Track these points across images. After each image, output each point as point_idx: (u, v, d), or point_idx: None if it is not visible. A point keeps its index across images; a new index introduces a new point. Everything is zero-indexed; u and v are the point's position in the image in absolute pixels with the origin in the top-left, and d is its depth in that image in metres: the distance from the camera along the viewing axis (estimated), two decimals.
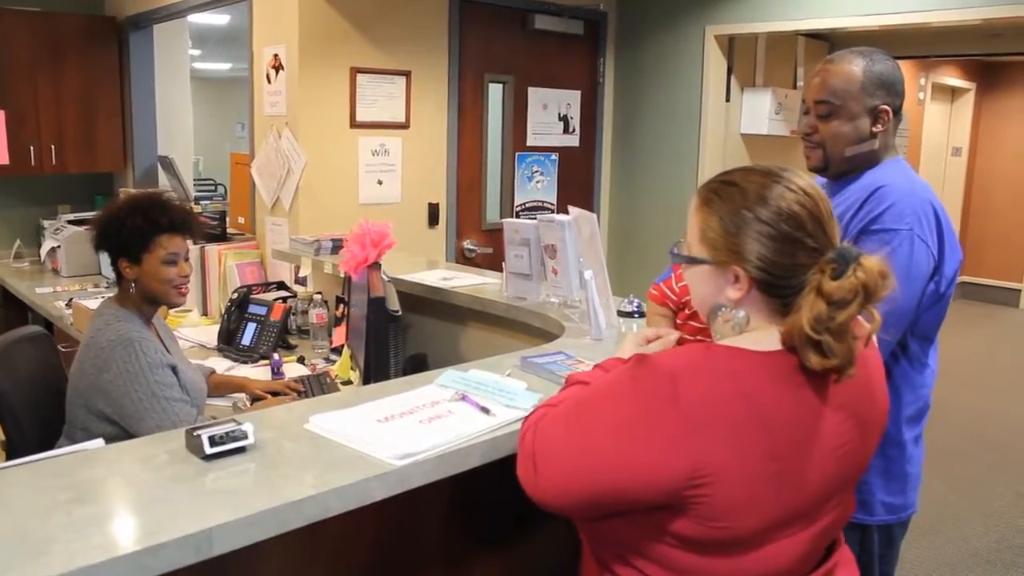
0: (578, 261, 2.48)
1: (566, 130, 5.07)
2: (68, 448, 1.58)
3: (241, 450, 1.38)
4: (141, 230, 2.35)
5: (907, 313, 1.79)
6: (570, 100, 5.05)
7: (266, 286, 3.73)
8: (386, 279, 2.68)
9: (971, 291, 9.35)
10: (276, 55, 3.94)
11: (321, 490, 1.28)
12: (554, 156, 5.04)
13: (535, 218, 2.67)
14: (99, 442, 1.68)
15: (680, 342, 1.61)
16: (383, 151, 4.17)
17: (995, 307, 9.45)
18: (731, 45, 4.92)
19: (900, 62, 1.97)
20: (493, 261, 4.45)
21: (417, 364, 2.86)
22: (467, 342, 2.97)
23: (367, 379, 2.61)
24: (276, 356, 3.09)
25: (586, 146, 5.20)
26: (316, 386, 2.75)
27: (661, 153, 5.08)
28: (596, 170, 5.28)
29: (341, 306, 3.26)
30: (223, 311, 3.49)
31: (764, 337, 1.27)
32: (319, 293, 3.45)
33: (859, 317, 1.21)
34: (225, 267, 3.98)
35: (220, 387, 2.80)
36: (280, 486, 1.28)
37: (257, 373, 3.05)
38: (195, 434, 1.36)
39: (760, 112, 5.06)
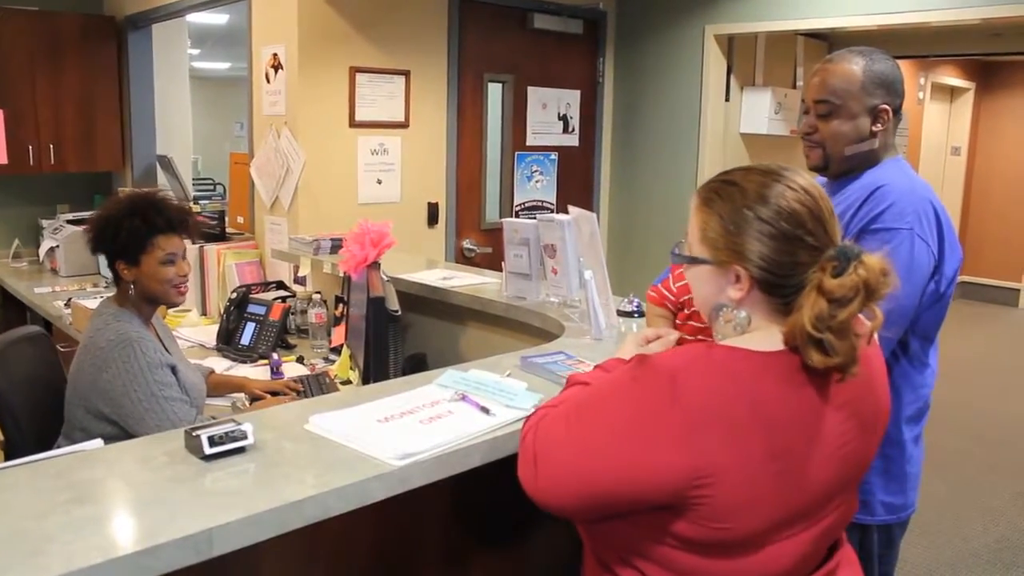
0: (578, 261, 2.47)
1: (565, 129, 5.07)
2: (67, 448, 1.58)
3: (241, 450, 1.38)
4: (138, 232, 2.34)
5: (908, 311, 1.79)
6: (570, 99, 5.05)
7: (265, 286, 3.72)
8: (385, 279, 2.68)
9: (970, 291, 9.35)
10: (275, 54, 3.93)
11: (321, 490, 1.28)
12: (553, 156, 5.04)
13: (535, 218, 2.67)
14: (98, 442, 1.68)
15: (680, 342, 1.61)
16: (382, 150, 4.17)
17: (994, 307, 9.45)
18: (731, 45, 4.92)
19: (899, 62, 1.97)
20: (492, 261, 4.45)
21: (416, 364, 2.86)
22: (466, 342, 2.96)
23: (366, 379, 2.61)
24: (275, 356, 3.09)
25: (585, 146, 5.20)
26: (315, 386, 2.75)
27: (661, 153, 5.08)
28: (595, 170, 5.28)
29: (340, 306, 3.26)
30: (222, 311, 3.48)
31: (766, 337, 1.27)
32: (318, 293, 3.45)
33: (860, 315, 1.21)
34: (224, 267, 3.98)
35: (219, 387, 2.79)
36: (280, 486, 1.28)
37: (256, 373, 3.05)
38: (194, 434, 1.36)
39: (760, 112, 5.05)
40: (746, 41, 5.01)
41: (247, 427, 1.40)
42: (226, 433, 1.37)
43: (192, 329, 3.65)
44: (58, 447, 2.29)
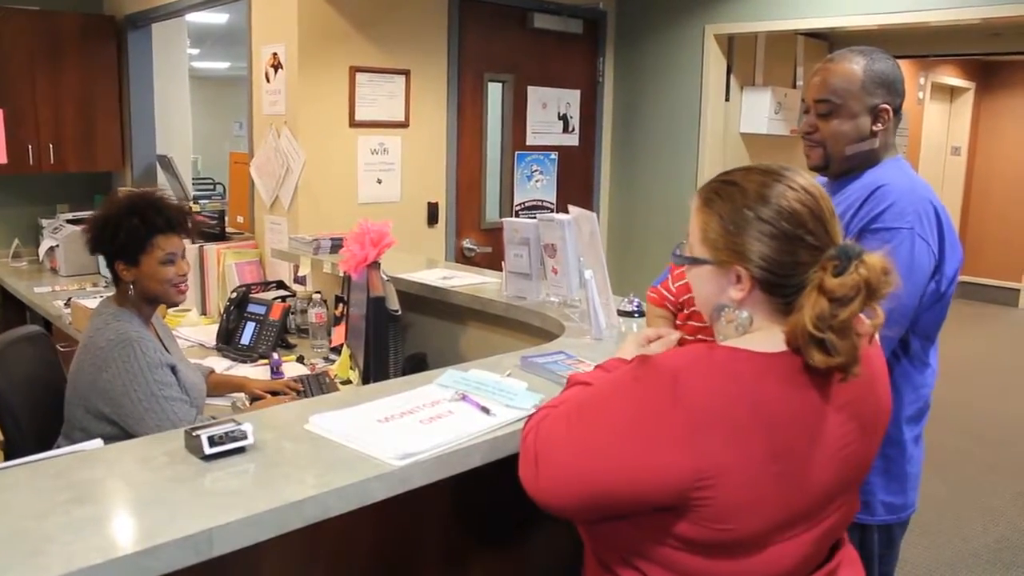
0: (578, 260, 2.47)
1: (565, 129, 5.07)
2: (67, 448, 1.57)
3: (241, 450, 1.38)
4: (137, 232, 2.33)
5: (909, 311, 1.79)
6: (569, 99, 5.05)
7: (265, 285, 3.72)
8: (385, 278, 2.68)
9: (970, 291, 9.34)
10: (275, 54, 3.93)
11: (321, 490, 1.27)
12: (553, 155, 5.03)
13: (535, 217, 2.67)
14: (98, 442, 1.67)
15: (681, 342, 1.61)
16: (382, 150, 4.17)
17: (994, 307, 9.46)
18: (731, 44, 4.92)
19: (899, 61, 1.97)
20: (492, 260, 4.45)
21: (416, 364, 2.86)
22: (466, 341, 2.96)
23: (366, 379, 2.61)
24: (275, 355, 3.09)
25: (585, 145, 5.20)
26: (315, 385, 2.75)
27: (660, 152, 5.07)
28: (595, 169, 5.28)
29: (340, 305, 3.25)
30: (222, 310, 3.48)
31: (767, 338, 1.27)
32: (318, 292, 3.45)
33: (861, 314, 1.20)
34: (224, 266, 3.97)
35: (219, 386, 2.79)
36: (280, 486, 1.28)
37: (256, 372, 3.05)
38: (194, 434, 1.36)
39: (760, 111, 5.05)
40: (746, 41, 5.01)
41: (247, 427, 1.40)
42: (226, 433, 1.37)
43: (192, 329, 3.64)
44: (58, 447, 2.29)
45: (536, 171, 4.97)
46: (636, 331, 1.73)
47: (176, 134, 5.64)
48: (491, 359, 2.02)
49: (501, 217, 4.60)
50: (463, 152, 4.58)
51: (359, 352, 2.71)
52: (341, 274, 3.03)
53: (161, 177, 5.22)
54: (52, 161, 5.03)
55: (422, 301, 2.99)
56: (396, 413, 1.58)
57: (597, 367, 1.57)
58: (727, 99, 5.00)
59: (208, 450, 1.35)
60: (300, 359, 3.20)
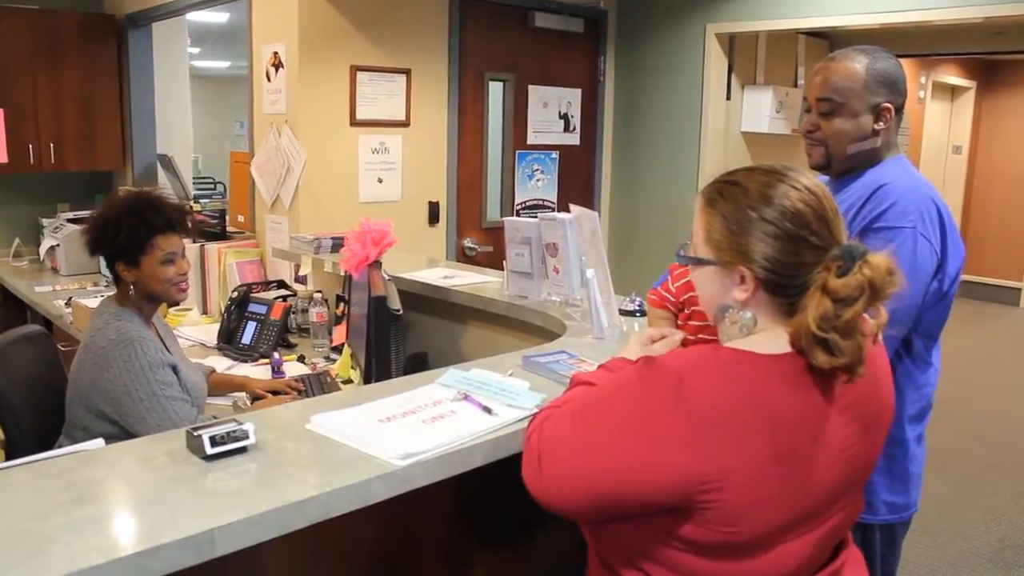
0: (580, 260, 2.47)
1: (566, 128, 5.06)
2: (68, 448, 1.57)
3: (242, 450, 1.38)
4: (136, 233, 2.32)
5: (912, 310, 1.79)
6: (570, 98, 5.05)
7: (266, 285, 3.72)
8: (387, 278, 2.67)
9: (971, 290, 9.33)
10: (276, 53, 3.93)
11: (323, 490, 1.27)
12: (554, 154, 5.03)
13: (536, 216, 2.66)
14: (99, 442, 1.67)
15: (685, 342, 1.60)
16: (383, 149, 4.17)
17: (996, 306, 9.45)
18: (732, 43, 4.91)
19: (900, 60, 1.96)
20: (493, 259, 4.44)
21: (417, 363, 2.86)
22: (468, 341, 2.96)
23: (368, 378, 2.60)
24: (276, 355, 3.09)
25: (586, 144, 5.20)
26: (316, 385, 2.75)
27: (662, 151, 5.07)
28: (596, 168, 5.28)
29: (341, 305, 3.25)
30: (223, 310, 3.48)
31: (771, 339, 1.26)
32: (319, 292, 3.45)
33: (865, 315, 1.20)
34: (225, 266, 3.97)
35: (220, 386, 2.79)
36: (282, 486, 1.28)
37: (257, 372, 3.04)
38: (196, 434, 1.36)
39: (761, 110, 5.05)
40: (747, 40, 5.01)
41: (249, 427, 1.39)
42: (228, 433, 1.37)
43: (193, 328, 3.64)
44: (59, 446, 2.29)
45: (537, 170, 4.96)
46: (640, 331, 1.72)
47: (177, 133, 5.64)
48: (493, 358, 2.01)
49: (502, 216, 4.60)
50: (464, 151, 4.58)
51: (360, 351, 2.71)
52: (342, 273, 3.02)
53: (162, 176, 5.22)
54: (53, 160, 5.03)
55: (423, 300, 2.99)
56: (398, 413, 1.57)
57: (600, 367, 1.56)
58: (728, 98, 5.00)
59: (210, 450, 1.34)
60: (301, 358, 3.20)
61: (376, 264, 2.66)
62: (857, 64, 1.88)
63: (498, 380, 1.73)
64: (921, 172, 1.99)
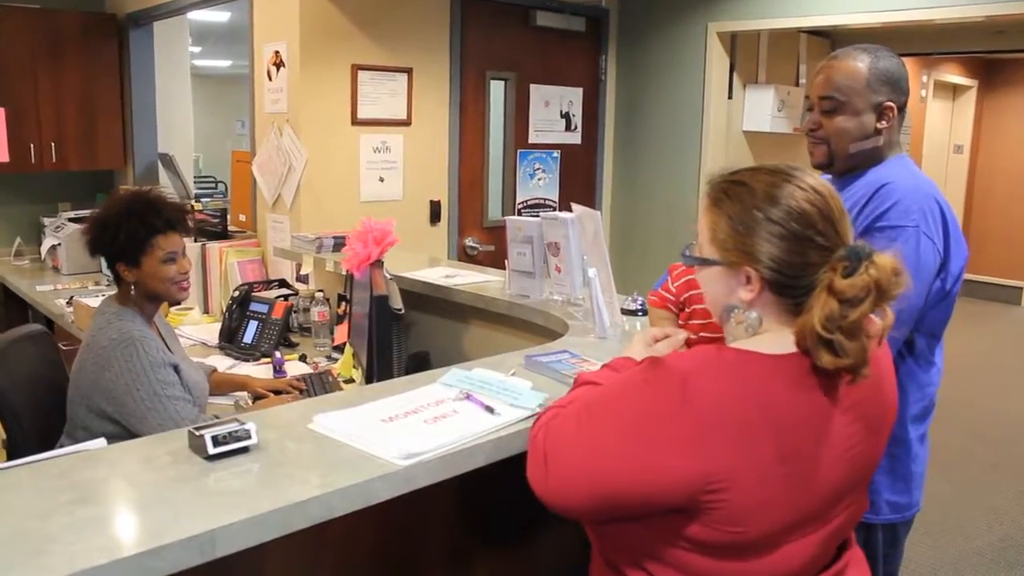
0: (582, 259, 2.46)
1: (568, 127, 5.06)
2: (70, 448, 1.57)
3: (244, 450, 1.37)
4: (136, 234, 2.32)
5: (915, 310, 1.78)
6: (572, 97, 5.04)
7: (267, 284, 3.72)
8: (389, 277, 2.67)
9: (973, 289, 9.32)
10: (277, 52, 3.92)
11: (326, 490, 1.27)
12: (556, 153, 5.03)
13: (537, 215, 2.66)
14: (101, 442, 1.67)
15: (688, 342, 1.60)
16: (384, 148, 4.16)
17: (997, 305, 9.44)
18: (733, 42, 4.91)
19: (902, 59, 1.96)
20: (495, 259, 4.44)
21: (419, 362, 2.86)
22: (469, 340, 2.96)
23: (369, 378, 2.60)
24: (278, 354, 3.09)
25: (588, 143, 5.19)
26: (318, 384, 2.75)
27: (663, 150, 5.07)
28: (598, 167, 5.27)
29: (343, 304, 3.25)
30: (224, 309, 3.48)
31: (776, 339, 1.26)
32: (321, 291, 3.44)
33: (871, 315, 1.20)
34: (226, 265, 3.97)
35: (222, 385, 2.79)
36: (284, 486, 1.27)
37: (259, 371, 3.04)
38: (198, 434, 1.35)
39: (763, 109, 5.05)
40: (749, 39, 5.01)
41: (251, 427, 1.39)
42: (230, 433, 1.36)
43: (194, 327, 3.64)
44: (60, 446, 2.29)
45: (538, 169, 4.96)
46: (643, 330, 1.72)
47: (178, 132, 5.64)
48: (495, 358, 2.01)
49: (503, 215, 4.60)
50: (465, 150, 4.57)
51: (362, 351, 2.71)
52: (344, 272, 3.02)
53: (163, 175, 5.22)
54: (54, 160, 5.03)
55: (425, 300, 2.99)
56: (400, 413, 1.57)
57: (604, 366, 1.56)
58: (730, 97, 4.99)
59: (212, 450, 1.34)
60: (303, 358, 3.20)
61: (378, 263, 2.65)
62: (860, 63, 1.87)
63: (500, 380, 1.73)
64: (922, 171, 1.99)
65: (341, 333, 3.21)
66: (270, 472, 1.34)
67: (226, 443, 1.35)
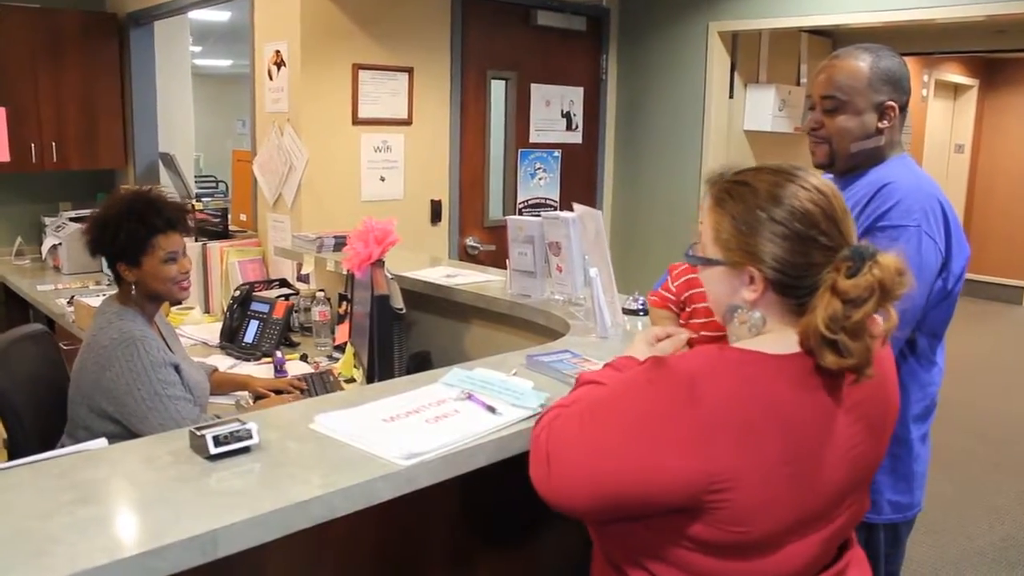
0: (583, 258, 2.46)
1: (569, 127, 5.06)
2: (71, 448, 1.57)
3: (246, 450, 1.37)
4: (137, 234, 2.32)
5: (917, 310, 1.78)
6: (573, 97, 5.04)
7: (268, 283, 3.72)
8: (390, 276, 2.67)
9: (974, 288, 9.31)
10: (278, 51, 3.92)
11: (327, 490, 1.26)
12: (557, 153, 5.03)
13: (538, 215, 2.66)
14: (102, 441, 1.67)
15: (690, 342, 1.60)
16: (385, 148, 4.16)
17: (998, 304, 9.43)
18: (734, 41, 4.91)
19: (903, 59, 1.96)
20: (496, 258, 4.44)
21: (420, 362, 2.85)
22: (470, 340, 2.96)
23: (371, 377, 2.60)
24: (279, 354, 3.09)
25: (589, 143, 5.19)
26: (319, 384, 2.75)
27: (664, 150, 5.06)
28: (599, 167, 5.27)
29: (344, 303, 3.25)
30: (225, 308, 3.48)
31: (780, 339, 1.26)
32: (322, 290, 3.44)
33: (875, 316, 1.19)
34: (227, 264, 3.97)
35: (223, 385, 2.79)
36: (286, 486, 1.27)
37: (260, 371, 3.04)
38: (199, 434, 1.35)
39: (764, 109, 5.04)
40: (750, 38, 5.00)
41: (252, 427, 1.39)
42: (231, 433, 1.36)
43: (195, 327, 3.64)
44: (61, 445, 2.29)
45: (539, 169, 4.96)
46: (645, 329, 1.72)
47: (179, 132, 5.64)
48: (496, 357, 2.01)
49: (504, 215, 4.61)
50: (466, 150, 4.57)
51: (363, 350, 2.70)
52: (345, 272, 3.02)
53: (163, 175, 5.22)
54: (55, 159, 5.03)
55: (426, 299, 2.99)
56: (401, 412, 1.57)
57: (607, 365, 1.56)
58: (731, 96, 4.99)
59: (213, 450, 1.34)
60: (304, 357, 3.20)
61: (379, 263, 2.65)
62: (861, 62, 1.87)
63: (502, 379, 1.73)
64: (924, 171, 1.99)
65: (342, 333, 3.21)
66: (271, 472, 1.34)
67: (227, 443, 1.35)
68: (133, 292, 2.37)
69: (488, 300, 2.75)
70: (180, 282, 2.40)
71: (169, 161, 4.98)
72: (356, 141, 4.05)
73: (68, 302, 3.91)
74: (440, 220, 4.48)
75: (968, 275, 1.89)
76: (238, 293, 3.47)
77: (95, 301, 3.28)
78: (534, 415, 1.55)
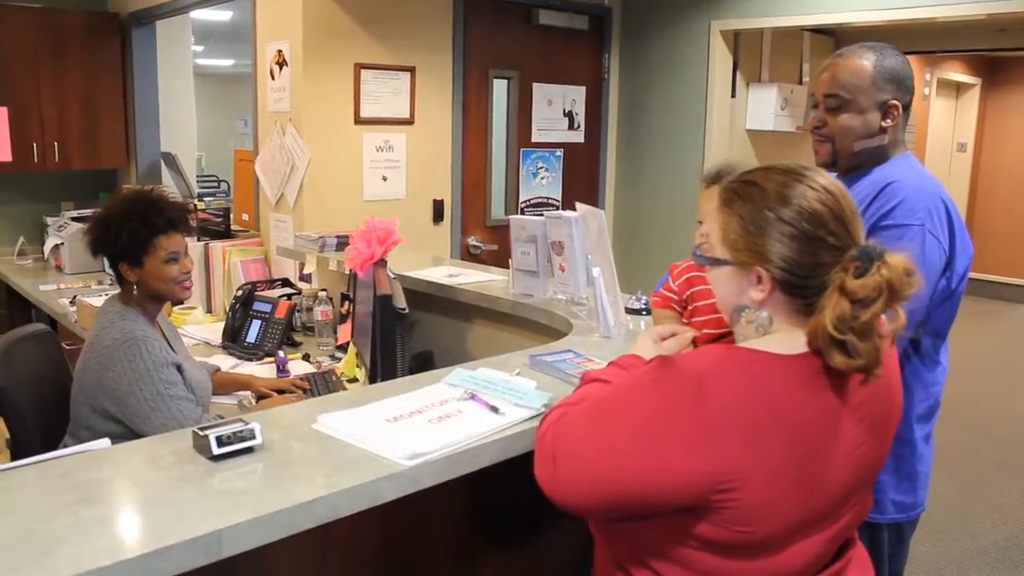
0: (586, 258, 2.46)
1: (571, 126, 5.05)
2: (74, 448, 1.57)
3: (249, 450, 1.37)
4: (138, 234, 2.32)
5: (921, 310, 1.78)
6: (575, 96, 5.04)
7: (270, 283, 3.72)
8: (392, 276, 2.67)
9: (976, 287, 9.30)
10: (280, 51, 3.92)
11: (331, 491, 1.26)
12: (559, 152, 5.02)
13: (541, 214, 2.65)
14: (105, 442, 1.66)
15: (695, 341, 1.59)
16: (387, 147, 4.16)
17: (1001, 303, 9.42)
18: (736, 40, 4.90)
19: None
20: (498, 257, 4.44)
21: (423, 362, 2.85)
22: (473, 339, 2.95)
23: (373, 377, 2.60)
24: (281, 353, 3.09)
25: (591, 142, 5.19)
26: (322, 384, 2.74)
27: (666, 149, 5.06)
28: (601, 166, 5.27)
29: (346, 303, 3.25)
30: (227, 308, 3.48)
31: (787, 339, 1.26)
32: (324, 290, 3.44)
33: (882, 316, 1.19)
34: (229, 264, 3.97)
35: (225, 385, 2.79)
36: (289, 487, 1.27)
37: (262, 371, 3.04)
38: (203, 434, 1.35)
39: (766, 108, 5.04)
40: (752, 37, 5.00)
41: (255, 427, 1.38)
42: (234, 433, 1.36)
43: (197, 326, 3.64)
44: (64, 446, 2.29)
45: (541, 168, 4.96)
46: (651, 328, 1.71)
47: (180, 131, 5.64)
48: (499, 357, 2.00)
49: (506, 214, 4.60)
50: (468, 149, 4.57)
51: (365, 350, 2.70)
52: (347, 272, 3.02)
53: (166, 175, 5.23)
54: (57, 159, 5.04)
55: (428, 299, 2.99)
56: (405, 412, 1.56)
57: (612, 364, 1.55)
58: (733, 95, 4.98)
59: (216, 450, 1.34)
60: (306, 357, 3.20)
61: (381, 263, 2.65)
62: (865, 61, 1.87)
63: (505, 379, 1.72)
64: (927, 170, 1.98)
65: (344, 332, 3.21)
66: (275, 472, 1.33)
67: (230, 443, 1.35)
68: (135, 292, 2.37)
69: (490, 300, 2.75)
70: (182, 282, 2.40)
71: (171, 161, 4.98)
72: (358, 140, 4.05)
73: (70, 302, 3.91)
74: (442, 219, 4.48)
75: (970, 274, 1.89)
76: (240, 293, 3.47)
77: (97, 301, 3.28)
78: (537, 415, 1.54)
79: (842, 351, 1.18)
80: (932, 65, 8.92)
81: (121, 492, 1.29)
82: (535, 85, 4.83)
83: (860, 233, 1.27)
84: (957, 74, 9.44)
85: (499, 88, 4.72)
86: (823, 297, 1.21)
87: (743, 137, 5.10)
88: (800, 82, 5.39)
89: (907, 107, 1.89)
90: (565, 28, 4.84)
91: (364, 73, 4.01)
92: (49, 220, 5.17)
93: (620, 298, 2.38)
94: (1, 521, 1.15)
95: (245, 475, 1.32)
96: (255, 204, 4.32)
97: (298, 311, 3.51)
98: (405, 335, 2.69)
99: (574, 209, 2.49)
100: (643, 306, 2.50)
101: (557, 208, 4.93)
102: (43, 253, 5.14)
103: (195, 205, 4.19)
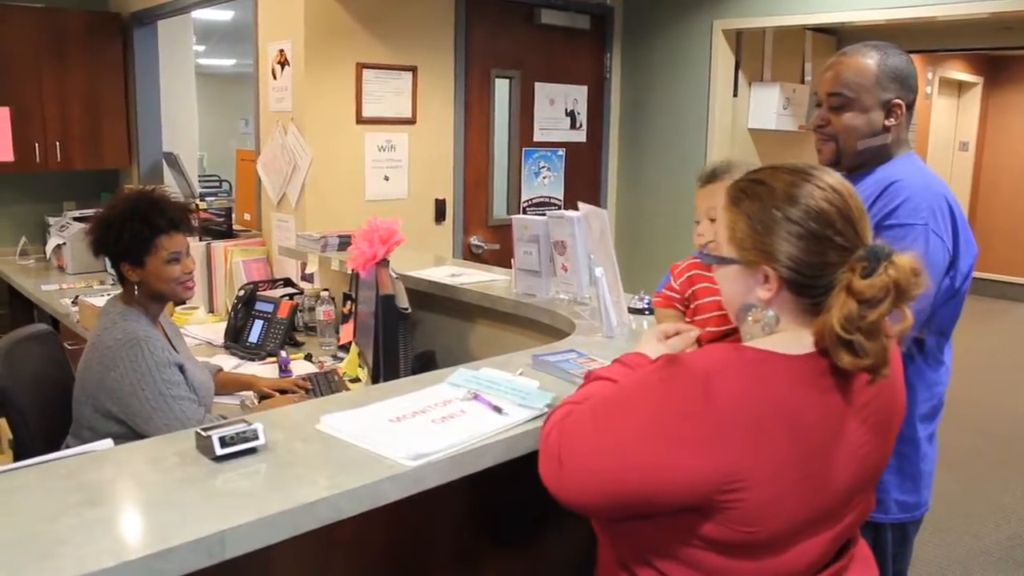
0: (588, 258, 2.45)
1: (573, 125, 5.05)
2: (77, 449, 1.57)
3: (252, 451, 1.37)
4: (140, 235, 2.31)
5: (925, 309, 1.78)
6: (577, 95, 5.03)
7: (272, 283, 3.72)
8: (394, 276, 2.67)
9: (979, 286, 9.23)
10: (282, 50, 3.92)
11: (334, 491, 1.26)
12: (561, 151, 5.02)
13: (543, 214, 2.65)
14: (108, 442, 1.66)
15: (699, 340, 1.59)
16: (389, 147, 4.16)
17: (1003, 302, 9.41)
18: (739, 39, 4.90)
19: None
20: (500, 257, 4.44)
21: (425, 362, 2.85)
22: (475, 339, 2.95)
23: (376, 377, 2.59)
24: (283, 353, 3.08)
25: (593, 142, 5.18)
26: (324, 384, 2.74)
27: (668, 149, 5.06)
28: (603, 166, 5.26)
29: (348, 303, 3.24)
30: (230, 308, 3.48)
31: (793, 339, 1.26)
32: (326, 290, 3.44)
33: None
34: (231, 264, 3.97)
35: (227, 385, 2.78)
36: (292, 487, 1.27)
37: (264, 371, 3.04)
38: (206, 435, 1.35)
39: (768, 107, 5.03)
40: (754, 36, 4.99)
41: (258, 427, 1.38)
42: (237, 434, 1.36)
43: (199, 327, 3.64)
44: (67, 446, 2.29)
45: (543, 167, 4.95)
46: (655, 326, 1.71)
47: (182, 131, 5.64)
48: (502, 357, 2.00)
49: (508, 214, 4.60)
50: (470, 149, 4.57)
51: (368, 350, 2.70)
52: (349, 271, 3.02)
53: (167, 174, 5.22)
54: (58, 159, 5.04)
55: (430, 298, 2.98)
56: (408, 413, 1.56)
57: (615, 361, 1.55)
58: (735, 95, 4.98)
59: (219, 451, 1.33)
60: (308, 357, 3.20)
61: (384, 262, 2.65)
62: (869, 60, 1.87)
63: (508, 379, 1.72)
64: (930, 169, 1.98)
65: (346, 332, 3.21)
66: (278, 473, 1.33)
67: (233, 444, 1.35)
68: (137, 292, 2.37)
69: (493, 299, 2.75)
70: (184, 282, 2.40)
71: (173, 161, 4.98)
72: (360, 140, 4.05)
73: (72, 302, 3.90)
74: (444, 219, 4.47)
75: (973, 273, 1.89)
76: (242, 293, 3.46)
77: (99, 301, 3.28)
78: (541, 415, 1.54)
79: (849, 351, 1.18)
80: (934, 64, 8.91)
81: (124, 493, 1.29)
82: (537, 84, 4.83)
83: (868, 233, 1.27)
84: (959, 73, 9.43)
85: (501, 87, 4.71)
86: (830, 297, 1.21)
87: (745, 136, 5.10)
88: (802, 81, 5.38)
89: (911, 106, 1.89)
90: (567, 27, 4.84)
91: (366, 73, 4.00)
92: (51, 220, 5.18)
93: (623, 298, 2.38)
94: (5, 522, 1.15)
95: (248, 476, 1.31)
96: (257, 204, 4.32)
97: (300, 311, 3.51)
98: (407, 335, 2.69)
99: (576, 209, 2.48)
100: (646, 306, 2.50)
101: (559, 208, 4.93)
102: (45, 253, 5.14)
103: (197, 205, 4.19)
